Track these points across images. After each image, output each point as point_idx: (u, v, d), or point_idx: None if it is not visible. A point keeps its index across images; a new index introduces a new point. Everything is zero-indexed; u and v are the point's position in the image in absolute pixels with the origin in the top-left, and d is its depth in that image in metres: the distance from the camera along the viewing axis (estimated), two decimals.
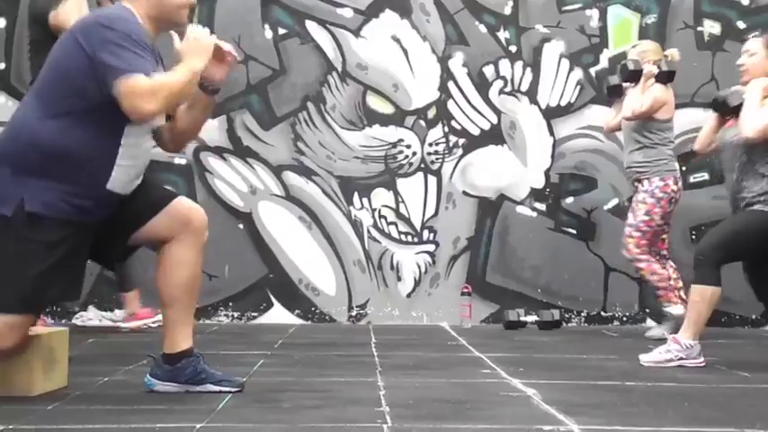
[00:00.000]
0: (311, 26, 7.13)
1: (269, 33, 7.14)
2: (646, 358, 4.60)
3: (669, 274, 6.19)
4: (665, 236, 6.32)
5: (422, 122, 7.16)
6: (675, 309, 6.03)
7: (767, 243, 4.63)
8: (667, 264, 6.28)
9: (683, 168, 6.63)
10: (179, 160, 7.01)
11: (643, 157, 6.12)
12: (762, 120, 4.45)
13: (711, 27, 7.21)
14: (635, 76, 6.17)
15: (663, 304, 6.14)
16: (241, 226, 7.08)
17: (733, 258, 4.77)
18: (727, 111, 4.80)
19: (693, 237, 6.97)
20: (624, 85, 6.23)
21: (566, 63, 7.21)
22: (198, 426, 2.74)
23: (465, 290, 6.95)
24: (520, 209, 7.12)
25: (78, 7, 4.31)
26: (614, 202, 7.12)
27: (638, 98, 5.90)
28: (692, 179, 7.11)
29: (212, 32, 3.46)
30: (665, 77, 6.04)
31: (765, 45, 4.87)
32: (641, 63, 6.23)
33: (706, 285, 4.57)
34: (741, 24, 7.20)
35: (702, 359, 4.57)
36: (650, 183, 6.04)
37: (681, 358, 4.54)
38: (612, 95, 6.36)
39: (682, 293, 6.09)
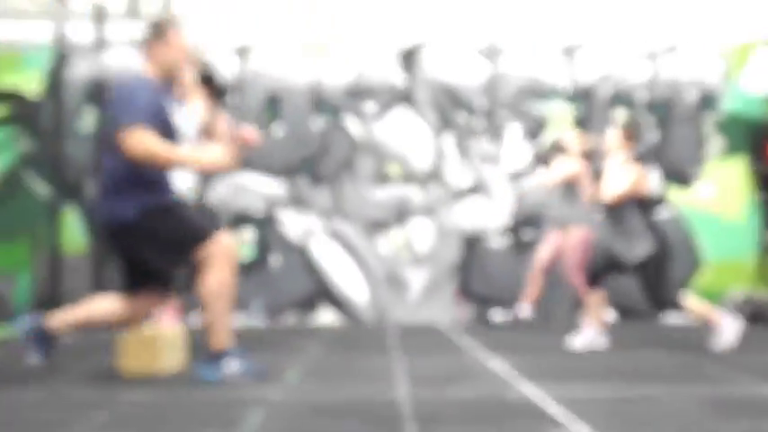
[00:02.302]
0: (347, 116, 7.21)
1: (316, 122, 7.20)
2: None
3: None
4: None
5: (425, 181, 7.20)
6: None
7: None
8: None
9: None
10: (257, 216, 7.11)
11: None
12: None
13: None
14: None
15: None
16: (299, 256, 7.13)
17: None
18: None
19: None
20: None
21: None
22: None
23: (457, 298, 7.09)
24: (494, 241, 7.20)
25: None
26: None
27: None
28: None
29: None
30: None
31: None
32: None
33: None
34: None
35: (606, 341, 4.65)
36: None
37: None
38: None
39: None
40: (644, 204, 4.71)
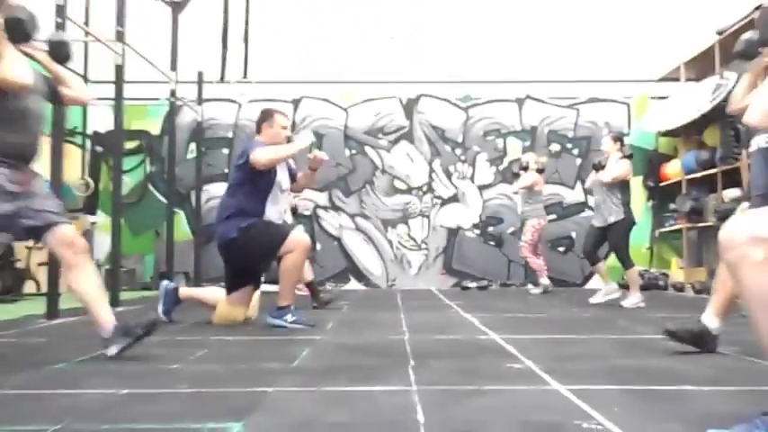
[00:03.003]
0: (367, 148, 7.25)
1: (347, 152, 7.23)
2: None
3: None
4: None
5: (421, 193, 7.24)
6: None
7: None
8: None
9: None
10: (307, 213, 7.07)
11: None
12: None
13: None
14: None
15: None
16: (336, 243, 7.18)
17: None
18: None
19: None
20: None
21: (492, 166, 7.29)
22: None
23: (443, 272, 7.12)
24: (468, 233, 7.18)
25: None
26: (512, 228, 7.06)
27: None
28: None
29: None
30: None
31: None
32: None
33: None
34: None
35: None
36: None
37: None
38: None
39: None
40: (626, 187, 4.67)
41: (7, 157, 2.22)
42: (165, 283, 3.61)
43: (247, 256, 3.31)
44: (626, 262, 4.63)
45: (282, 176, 3.44)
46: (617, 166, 4.63)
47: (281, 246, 3.19)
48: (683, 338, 2.38)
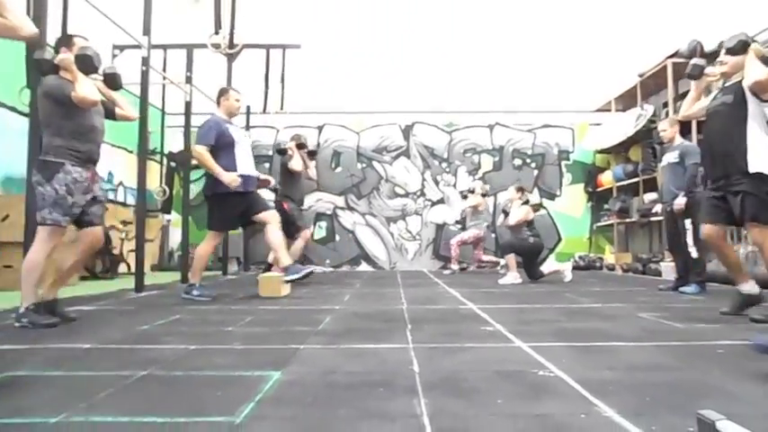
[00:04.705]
0: (374, 162, 7.13)
1: (358, 165, 7.13)
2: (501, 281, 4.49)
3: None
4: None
5: (416, 196, 7.11)
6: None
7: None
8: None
9: None
10: (328, 213, 7.00)
11: None
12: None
13: None
14: None
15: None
16: (350, 236, 7.03)
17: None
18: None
19: None
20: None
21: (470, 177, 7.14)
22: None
23: (432, 257, 6.97)
24: (451, 227, 7.04)
25: None
26: (485, 224, 6.83)
27: None
28: None
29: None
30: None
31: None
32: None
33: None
34: None
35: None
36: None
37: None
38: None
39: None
40: (530, 223, 4.62)
41: (80, 161, 2.33)
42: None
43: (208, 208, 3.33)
44: (542, 274, 4.61)
45: (237, 133, 3.32)
46: (518, 212, 4.56)
47: (211, 226, 3.25)
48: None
